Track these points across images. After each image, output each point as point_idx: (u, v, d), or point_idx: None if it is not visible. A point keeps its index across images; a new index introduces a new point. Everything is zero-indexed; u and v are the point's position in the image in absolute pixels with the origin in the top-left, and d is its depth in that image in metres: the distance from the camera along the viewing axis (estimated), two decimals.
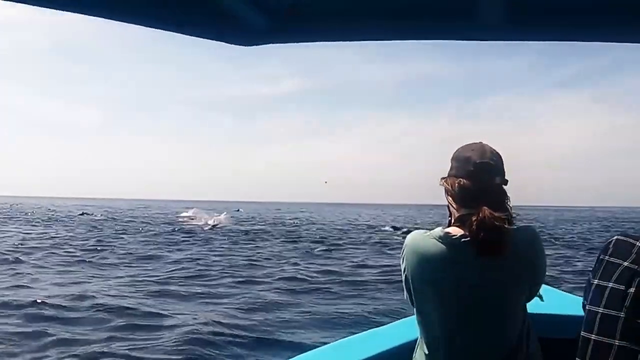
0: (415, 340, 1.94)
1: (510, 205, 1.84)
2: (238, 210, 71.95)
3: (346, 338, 2.76)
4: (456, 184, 1.80)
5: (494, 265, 1.74)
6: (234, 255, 19.04)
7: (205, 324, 8.52)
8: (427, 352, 1.85)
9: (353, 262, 17.39)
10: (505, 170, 1.85)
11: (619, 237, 2.32)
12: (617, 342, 2.05)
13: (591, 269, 2.34)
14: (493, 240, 1.70)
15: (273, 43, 1.43)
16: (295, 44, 1.43)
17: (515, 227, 1.81)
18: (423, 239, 1.80)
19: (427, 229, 1.85)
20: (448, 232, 1.78)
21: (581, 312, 2.51)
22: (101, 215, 54.33)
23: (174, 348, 7.30)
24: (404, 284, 1.87)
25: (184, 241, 24.78)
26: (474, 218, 1.72)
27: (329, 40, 1.42)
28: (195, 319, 8.90)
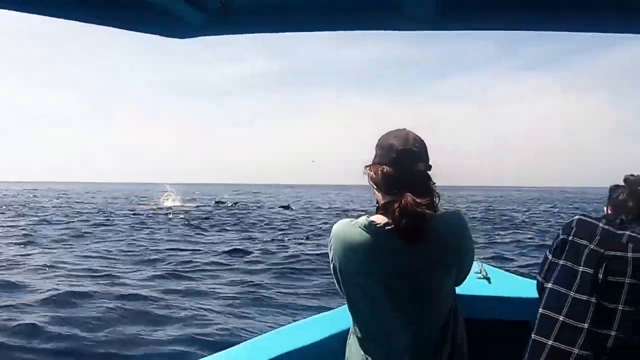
0: (349, 329, 1.96)
1: (436, 190, 1.84)
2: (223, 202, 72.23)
3: (280, 328, 2.77)
4: (380, 172, 1.81)
5: (419, 251, 1.75)
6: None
7: None
8: (360, 339, 1.87)
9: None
10: (428, 156, 1.86)
11: (581, 217, 2.38)
12: (586, 326, 2.11)
13: (549, 247, 2.39)
14: (415, 227, 1.71)
15: (208, 35, 1.43)
16: (231, 35, 1.44)
17: (440, 212, 1.83)
18: (349, 228, 1.81)
19: (352, 218, 1.85)
20: (373, 221, 1.78)
21: (531, 295, 2.58)
22: (50, 201, 53.30)
23: None
24: (332, 273, 1.88)
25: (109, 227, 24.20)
26: (396, 205, 1.73)
27: (263, 32, 1.43)
28: None
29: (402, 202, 1.72)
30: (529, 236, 21.01)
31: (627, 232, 2.22)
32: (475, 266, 3.34)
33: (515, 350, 2.42)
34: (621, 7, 1.34)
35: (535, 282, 2.50)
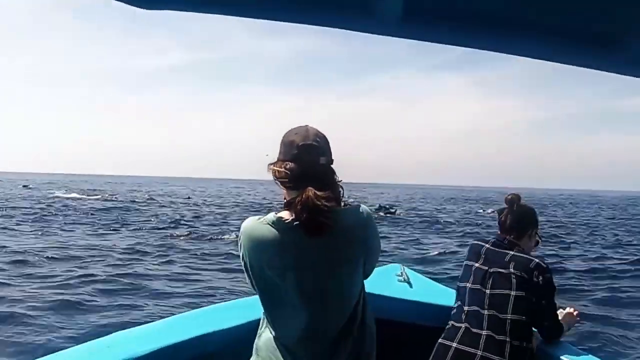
0: (259, 319, 2.00)
1: (341, 184, 1.91)
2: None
3: (191, 311, 2.77)
4: (283, 168, 1.85)
5: (325, 245, 1.81)
6: None
7: None
8: (271, 331, 1.92)
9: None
10: (331, 151, 1.91)
11: (474, 241, 2.83)
12: (484, 332, 2.50)
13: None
14: (316, 220, 1.76)
15: (170, 9, 1.39)
16: (193, 12, 1.40)
17: (344, 207, 1.89)
18: (257, 225, 1.85)
19: (260, 215, 1.89)
20: (280, 217, 1.83)
21: (448, 303, 2.79)
22: None
23: None
24: (244, 269, 1.92)
25: None
26: (298, 199, 1.78)
27: (222, 13, 1.40)
28: None
29: (304, 196, 1.77)
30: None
31: (511, 252, 2.62)
32: (397, 269, 3.47)
33: (428, 354, 2.58)
34: (597, 42, 1.40)
35: (453, 291, 2.84)
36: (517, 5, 1.34)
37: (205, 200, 47.35)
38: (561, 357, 2.53)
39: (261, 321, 1.99)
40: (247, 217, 1.93)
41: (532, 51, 1.52)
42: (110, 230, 19.93)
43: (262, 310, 1.96)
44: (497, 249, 2.66)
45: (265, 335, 1.94)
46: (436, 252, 15.99)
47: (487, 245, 2.70)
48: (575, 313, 2.87)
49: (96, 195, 46.78)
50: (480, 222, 29.60)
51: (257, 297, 1.94)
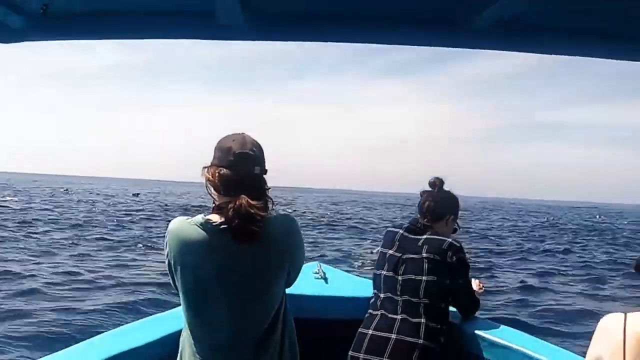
0: (179, 332, 2.02)
1: (270, 194, 1.96)
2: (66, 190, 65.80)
3: (109, 331, 2.70)
4: (217, 173, 1.89)
5: (251, 251, 1.86)
6: None
7: None
8: (191, 335, 1.94)
9: None
10: (265, 160, 1.97)
11: (389, 228, 2.86)
12: (399, 317, 2.56)
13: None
14: (247, 227, 1.81)
15: (29, 40, 1.41)
16: (53, 41, 1.42)
17: (273, 215, 1.95)
18: (185, 226, 1.88)
19: (189, 216, 1.93)
20: (209, 219, 1.87)
21: (366, 294, 2.84)
22: None
23: None
24: (167, 268, 1.94)
25: None
26: (230, 205, 1.82)
27: (87, 38, 1.43)
28: None
29: (237, 203, 1.81)
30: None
31: (425, 236, 2.67)
32: (314, 266, 3.49)
33: (349, 347, 2.64)
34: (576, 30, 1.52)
35: (370, 281, 2.87)
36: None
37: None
38: (476, 332, 2.63)
39: (182, 331, 1.99)
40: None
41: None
42: None
43: (180, 322, 1.97)
44: (410, 235, 2.70)
45: (188, 343, 1.95)
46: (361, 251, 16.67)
47: (400, 232, 2.74)
48: (480, 286, 2.95)
49: None
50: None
51: (178, 309, 1.96)
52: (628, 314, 1.79)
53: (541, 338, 2.72)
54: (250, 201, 1.82)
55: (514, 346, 2.47)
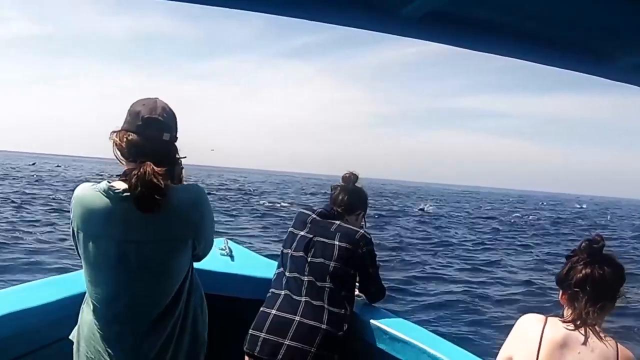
0: (84, 294, 1.96)
1: (182, 163, 1.93)
2: None
3: (16, 286, 2.63)
4: (125, 138, 1.83)
5: (154, 220, 1.81)
6: None
7: None
8: (92, 306, 1.88)
9: None
10: (177, 127, 1.92)
11: (301, 209, 2.91)
12: (303, 299, 2.60)
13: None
14: (149, 196, 1.76)
15: None
16: None
17: (180, 185, 1.91)
18: (89, 192, 1.81)
19: (94, 182, 1.86)
20: (112, 186, 1.80)
21: (270, 275, 2.86)
22: None
23: None
24: (71, 236, 1.87)
25: None
26: (134, 172, 1.77)
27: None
28: None
29: (141, 170, 1.76)
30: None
31: (337, 222, 2.76)
32: (221, 242, 3.46)
33: (249, 326, 2.65)
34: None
35: (275, 262, 2.91)
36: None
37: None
38: (378, 324, 2.71)
39: (85, 296, 1.94)
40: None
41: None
42: None
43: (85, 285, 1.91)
44: (323, 219, 2.77)
45: (87, 310, 1.90)
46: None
47: (313, 215, 2.79)
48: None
49: None
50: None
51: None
52: (549, 318, 1.89)
53: (440, 334, 2.85)
54: (156, 168, 1.77)
55: (413, 341, 2.55)
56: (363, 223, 2.93)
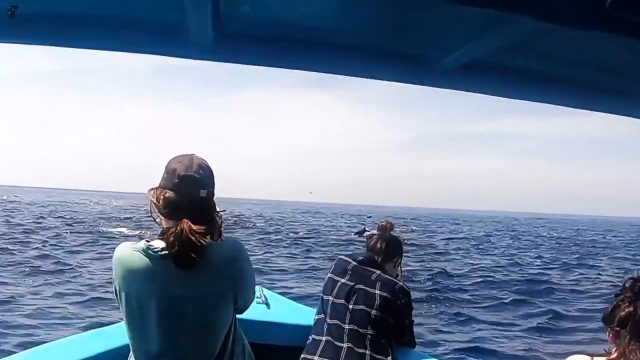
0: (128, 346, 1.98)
1: (221, 217, 1.97)
2: None
3: (65, 338, 2.67)
4: (162, 196, 1.86)
5: (192, 277, 1.82)
6: None
7: None
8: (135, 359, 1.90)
9: None
10: (214, 183, 1.94)
11: (341, 256, 2.98)
12: (345, 345, 2.66)
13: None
14: (187, 253, 1.78)
15: None
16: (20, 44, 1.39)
17: (218, 241, 1.95)
18: (128, 252, 1.85)
19: (134, 242, 1.89)
20: (151, 245, 1.83)
21: (307, 322, 2.87)
22: None
23: None
24: (115, 294, 1.91)
25: None
26: (172, 230, 1.79)
27: (54, 45, 1.40)
28: None
29: (178, 228, 1.79)
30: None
31: (377, 272, 2.82)
32: (256, 290, 3.46)
33: None
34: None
35: (312, 309, 2.91)
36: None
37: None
38: None
39: (130, 353, 1.95)
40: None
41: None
42: None
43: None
44: (364, 267, 2.83)
45: None
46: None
47: (354, 262, 2.86)
48: None
49: None
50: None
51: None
52: (595, 358, 1.90)
53: None
54: (193, 226, 1.79)
55: None
56: (399, 269, 3.00)
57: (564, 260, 22.81)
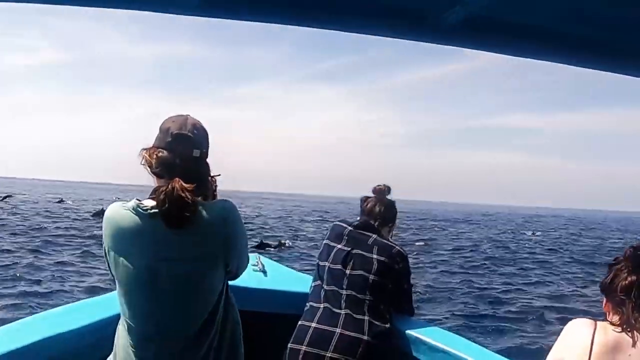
0: (119, 316, 1.97)
1: (216, 180, 1.93)
2: None
3: (50, 310, 2.66)
4: (155, 155, 1.83)
5: (182, 237, 1.80)
6: None
7: None
8: (126, 326, 1.88)
9: None
10: (208, 144, 1.92)
11: (336, 222, 2.94)
12: (343, 311, 2.62)
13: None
14: (177, 212, 1.75)
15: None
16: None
17: (210, 201, 1.90)
18: (119, 210, 1.82)
19: (125, 201, 1.86)
20: (141, 204, 1.81)
21: (304, 290, 2.87)
22: None
23: None
24: (104, 255, 1.89)
25: None
26: (162, 189, 1.77)
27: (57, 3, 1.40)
28: None
29: (169, 186, 1.76)
30: None
31: (374, 236, 2.79)
32: (253, 259, 3.44)
33: (286, 341, 2.66)
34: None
35: (309, 277, 2.91)
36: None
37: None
38: (413, 332, 2.71)
39: (120, 317, 1.94)
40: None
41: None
42: None
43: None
44: (360, 231, 2.79)
45: (123, 331, 1.90)
46: None
47: (350, 228, 2.81)
48: None
49: None
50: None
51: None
52: (598, 322, 1.92)
53: (481, 343, 2.84)
54: (184, 184, 1.76)
55: (453, 351, 2.55)
56: (392, 234, 2.96)
57: None
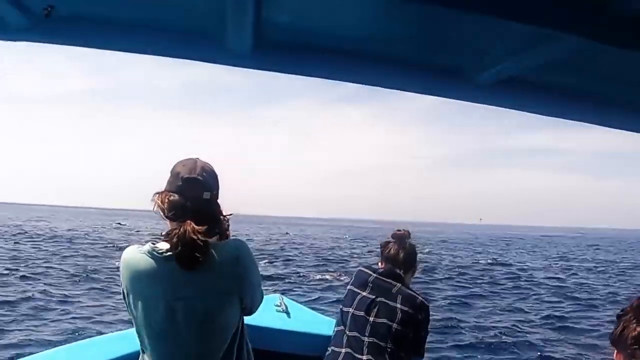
0: (139, 351, 2.01)
1: (227, 219, 2.00)
2: None
3: (72, 343, 2.70)
4: (166, 199, 1.91)
5: (196, 278, 1.86)
6: None
7: None
8: None
9: None
10: (218, 185, 1.99)
11: (361, 268, 2.94)
12: (364, 357, 2.64)
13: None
14: (189, 254, 1.82)
15: (30, 41, 1.39)
16: (54, 44, 1.41)
17: (222, 241, 1.97)
18: (134, 254, 1.89)
19: (140, 245, 1.93)
20: (156, 247, 1.87)
21: (326, 332, 2.87)
22: None
23: None
24: (122, 297, 1.95)
25: None
26: (175, 232, 1.84)
27: (87, 46, 1.42)
28: None
29: (182, 229, 1.83)
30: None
31: (398, 285, 2.80)
32: (276, 299, 3.51)
33: None
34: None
35: (331, 320, 2.89)
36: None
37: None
38: None
39: (140, 355, 1.99)
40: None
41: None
42: None
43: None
44: (385, 279, 2.81)
45: None
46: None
47: (374, 275, 2.84)
48: None
49: None
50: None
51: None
52: None
53: None
54: (196, 227, 1.83)
55: None
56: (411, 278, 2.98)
57: None
